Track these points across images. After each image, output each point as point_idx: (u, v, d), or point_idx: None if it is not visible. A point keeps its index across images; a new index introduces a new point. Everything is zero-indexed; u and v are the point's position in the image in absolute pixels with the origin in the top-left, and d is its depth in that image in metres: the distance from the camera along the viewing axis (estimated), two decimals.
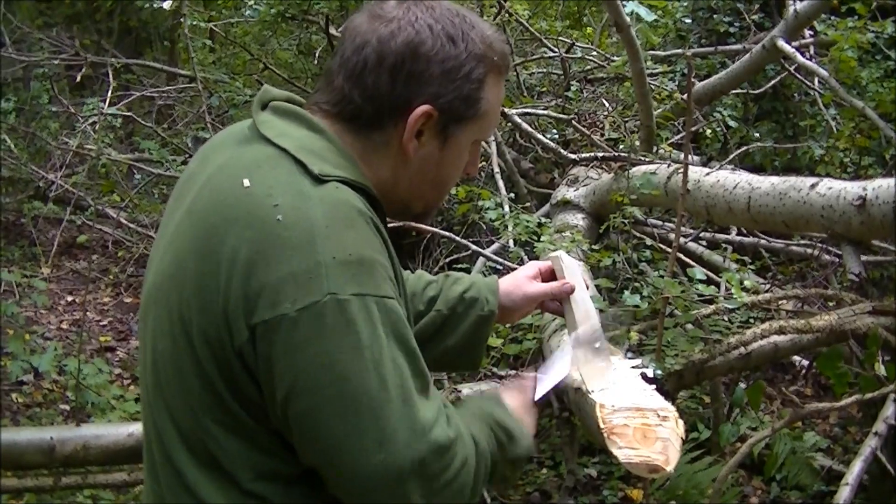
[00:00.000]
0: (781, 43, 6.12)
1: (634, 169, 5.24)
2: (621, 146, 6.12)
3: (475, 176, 1.94)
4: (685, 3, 8.52)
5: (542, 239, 4.61)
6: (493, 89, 1.75)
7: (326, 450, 1.53)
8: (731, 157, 6.74)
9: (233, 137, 1.74)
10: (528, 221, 4.81)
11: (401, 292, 1.66)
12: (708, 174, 4.60)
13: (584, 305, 2.20)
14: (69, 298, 7.86)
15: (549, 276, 2.25)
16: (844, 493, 3.31)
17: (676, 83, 7.20)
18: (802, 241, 5.75)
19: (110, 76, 8.42)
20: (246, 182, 1.58)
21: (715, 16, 8.37)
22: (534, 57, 8.15)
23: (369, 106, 1.68)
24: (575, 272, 2.22)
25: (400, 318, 1.57)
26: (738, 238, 6.13)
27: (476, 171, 1.89)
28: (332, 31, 7.28)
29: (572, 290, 2.18)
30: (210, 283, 1.55)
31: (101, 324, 7.43)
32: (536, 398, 2.00)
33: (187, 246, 1.61)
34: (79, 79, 9.06)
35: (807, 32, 7.01)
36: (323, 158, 1.62)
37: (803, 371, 6.07)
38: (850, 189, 3.70)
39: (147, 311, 1.70)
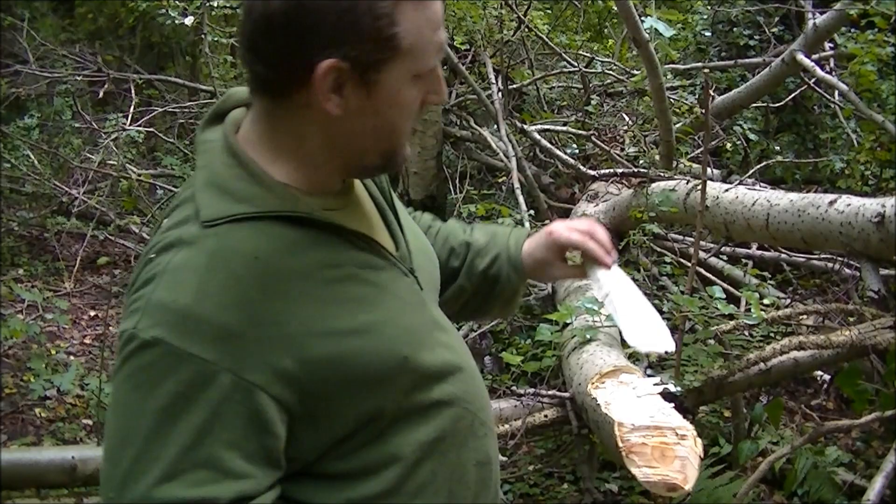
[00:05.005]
0: (801, 56, 6.14)
1: (654, 185, 5.25)
2: (641, 161, 6.13)
3: (443, 102, 1.69)
4: (705, 17, 8.52)
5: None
6: (411, 15, 1.52)
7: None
8: (752, 170, 6.74)
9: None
10: None
11: (301, 344, 1.49)
12: (727, 190, 4.61)
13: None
14: (92, 313, 7.88)
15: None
16: None
17: (696, 97, 7.20)
18: (823, 256, 5.74)
19: (133, 92, 8.47)
20: (164, 222, 1.58)
21: (735, 29, 8.36)
22: (554, 71, 8.17)
23: (273, 74, 1.53)
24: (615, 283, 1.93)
25: (203, 385, 1.42)
26: (759, 252, 6.13)
27: (442, 97, 1.67)
28: None
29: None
30: None
31: None
32: None
33: None
34: (101, 94, 9.12)
35: (826, 45, 7.01)
36: (224, 194, 1.54)
37: (825, 385, 6.05)
38: (869, 206, 3.71)
39: None
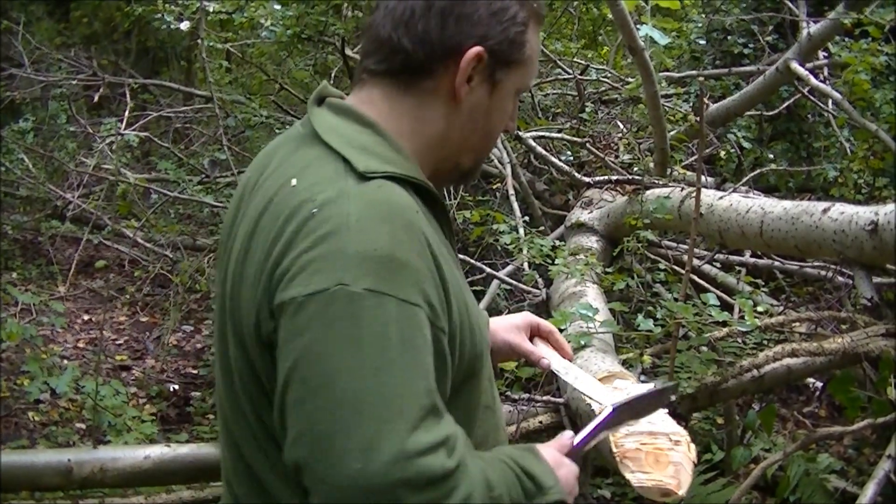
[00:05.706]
0: (795, 65, 6.15)
1: (648, 192, 5.26)
2: (635, 168, 6.15)
3: (514, 131, 1.88)
4: (699, 25, 8.53)
5: (556, 262, 4.63)
6: (533, 35, 1.74)
7: (310, 445, 1.42)
8: (746, 178, 6.75)
9: (288, 139, 1.73)
10: (541, 245, 4.83)
11: (447, 301, 1.56)
12: (721, 198, 4.62)
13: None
14: (86, 317, 7.87)
15: (536, 331, 2.17)
16: None
17: (691, 104, 7.22)
18: (816, 264, 5.75)
19: (128, 96, 8.47)
20: (293, 181, 1.57)
21: (729, 37, 8.37)
22: (549, 79, 8.18)
23: (420, 52, 1.65)
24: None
25: (419, 329, 1.47)
26: (753, 260, 6.13)
27: (515, 126, 1.86)
28: (348, 51, 7.33)
29: (546, 367, 2.11)
30: (251, 278, 1.55)
31: (117, 343, 7.45)
32: (576, 442, 1.78)
33: (240, 250, 1.62)
34: (96, 99, 9.12)
35: (821, 54, 7.03)
36: (370, 154, 1.60)
37: (817, 392, 6.06)
38: (863, 214, 3.71)
39: (216, 320, 1.71)
